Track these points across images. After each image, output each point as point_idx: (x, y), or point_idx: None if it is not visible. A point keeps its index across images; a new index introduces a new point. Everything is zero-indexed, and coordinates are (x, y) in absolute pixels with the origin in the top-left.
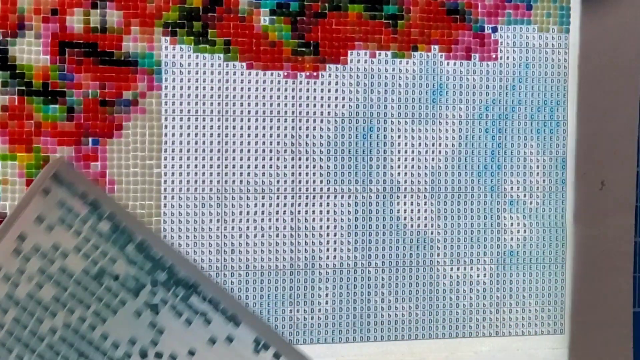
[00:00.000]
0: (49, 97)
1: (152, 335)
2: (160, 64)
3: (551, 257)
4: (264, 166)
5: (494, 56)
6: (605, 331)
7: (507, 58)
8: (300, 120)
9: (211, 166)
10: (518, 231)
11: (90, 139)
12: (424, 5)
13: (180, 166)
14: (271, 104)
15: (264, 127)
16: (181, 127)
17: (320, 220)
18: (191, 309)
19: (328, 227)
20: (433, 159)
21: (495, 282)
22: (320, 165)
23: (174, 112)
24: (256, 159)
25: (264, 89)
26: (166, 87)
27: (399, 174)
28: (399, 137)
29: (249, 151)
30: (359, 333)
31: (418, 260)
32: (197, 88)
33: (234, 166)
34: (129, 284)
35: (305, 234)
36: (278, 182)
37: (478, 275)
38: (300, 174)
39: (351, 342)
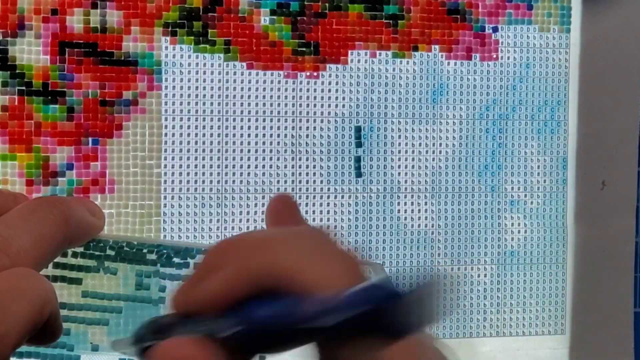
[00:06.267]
0: (49, 97)
1: None
2: (160, 64)
3: (552, 257)
4: (264, 166)
5: (494, 56)
6: (606, 331)
7: (508, 58)
8: (300, 120)
9: (211, 166)
10: (519, 231)
11: (90, 139)
12: (424, 5)
13: (180, 166)
14: (271, 104)
15: (264, 127)
16: (181, 127)
17: (321, 220)
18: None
19: (328, 227)
20: (433, 159)
21: (495, 282)
22: (321, 165)
23: (174, 112)
24: (256, 159)
25: (264, 89)
26: (166, 87)
27: (399, 174)
28: (399, 137)
29: (249, 151)
30: None
31: (418, 260)
32: (197, 88)
33: (234, 166)
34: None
35: None
36: (278, 182)
37: (479, 276)
38: (300, 174)
39: None
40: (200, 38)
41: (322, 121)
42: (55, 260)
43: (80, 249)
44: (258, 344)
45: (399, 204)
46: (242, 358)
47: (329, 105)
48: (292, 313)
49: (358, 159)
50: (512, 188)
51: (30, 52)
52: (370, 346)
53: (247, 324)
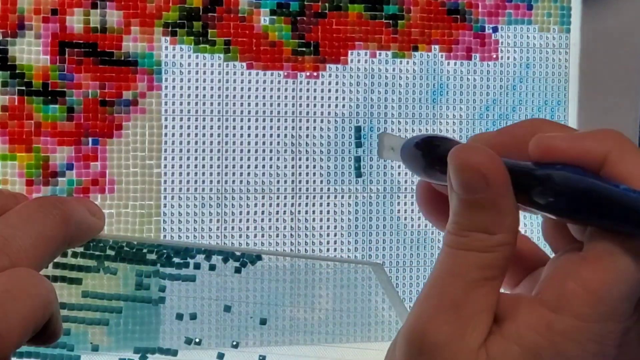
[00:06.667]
0: (49, 97)
1: None
2: (160, 64)
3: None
4: (264, 166)
5: (494, 56)
6: None
7: (508, 58)
8: (300, 120)
9: (211, 166)
10: (519, 230)
11: (90, 139)
12: (424, 5)
13: (180, 166)
14: (271, 104)
15: (264, 127)
16: (181, 127)
17: (320, 220)
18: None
19: (328, 227)
20: None
21: None
22: (321, 165)
23: (174, 112)
24: (256, 159)
25: (264, 89)
26: (166, 87)
27: (399, 174)
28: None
29: (249, 151)
30: (359, 333)
31: (418, 260)
32: (197, 88)
33: (234, 166)
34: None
35: (305, 234)
36: (278, 182)
37: None
38: (300, 174)
39: (351, 342)
40: (200, 38)
41: (322, 121)
42: (55, 260)
43: (80, 249)
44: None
45: (398, 204)
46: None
47: (329, 105)
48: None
49: (358, 159)
50: None
51: (30, 52)
52: None
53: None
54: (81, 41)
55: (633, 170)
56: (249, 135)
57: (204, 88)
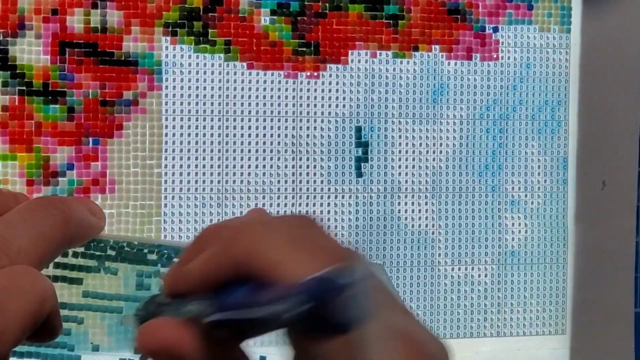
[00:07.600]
0: (49, 97)
1: None
2: (160, 64)
3: (552, 257)
4: (264, 166)
5: (495, 56)
6: (607, 331)
7: (508, 58)
8: (300, 120)
9: (211, 166)
10: (519, 231)
11: (90, 139)
12: (424, 5)
13: (181, 166)
14: (271, 104)
15: (264, 127)
16: (181, 127)
17: (321, 220)
18: None
19: (328, 227)
20: (434, 159)
21: (496, 282)
22: (321, 165)
23: (174, 112)
24: (256, 159)
25: (264, 89)
26: (166, 87)
27: (399, 174)
28: (400, 137)
29: (249, 151)
30: None
31: (419, 260)
32: (197, 88)
33: (234, 166)
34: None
35: None
36: (278, 182)
37: (479, 276)
38: (300, 174)
39: None
40: (201, 38)
41: (322, 121)
42: (55, 260)
43: (80, 249)
44: (234, 329)
45: (399, 204)
46: (227, 342)
47: (329, 105)
48: (253, 301)
49: (358, 159)
50: (513, 188)
51: (31, 52)
52: (316, 340)
53: (217, 310)
54: (81, 41)
55: (271, 261)
56: (249, 135)
57: (205, 88)
